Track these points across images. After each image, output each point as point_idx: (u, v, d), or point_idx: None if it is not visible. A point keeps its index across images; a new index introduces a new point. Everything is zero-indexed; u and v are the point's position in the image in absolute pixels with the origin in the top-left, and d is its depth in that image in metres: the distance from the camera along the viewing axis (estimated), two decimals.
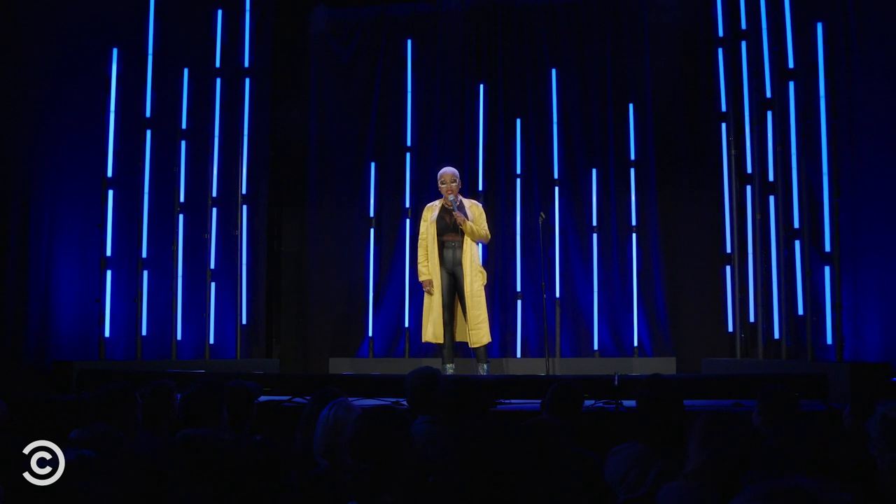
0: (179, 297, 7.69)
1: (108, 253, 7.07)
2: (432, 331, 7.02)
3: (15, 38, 6.85)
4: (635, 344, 8.38)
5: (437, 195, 7.30)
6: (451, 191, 7.03)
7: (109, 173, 7.15)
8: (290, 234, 9.40)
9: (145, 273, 7.39)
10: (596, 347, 8.45)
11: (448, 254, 7.06)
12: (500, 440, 2.37)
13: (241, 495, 2.17)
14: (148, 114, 7.51)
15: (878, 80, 6.73)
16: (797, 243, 6.76)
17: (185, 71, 7.92)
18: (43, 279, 6.85)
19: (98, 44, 7.21)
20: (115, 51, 7.23)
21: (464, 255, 7.01)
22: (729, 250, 7.97)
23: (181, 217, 7.78)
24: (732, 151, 7.83)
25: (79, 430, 2.92)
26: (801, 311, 6.71)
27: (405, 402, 4.10)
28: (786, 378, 5.07)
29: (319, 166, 9.20)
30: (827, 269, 6.41)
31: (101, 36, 7.24)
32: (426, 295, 7.11)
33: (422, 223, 7.23)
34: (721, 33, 8.13)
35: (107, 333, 7.03)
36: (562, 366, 8.22)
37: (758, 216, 7.31)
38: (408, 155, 8.98)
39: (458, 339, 7.12)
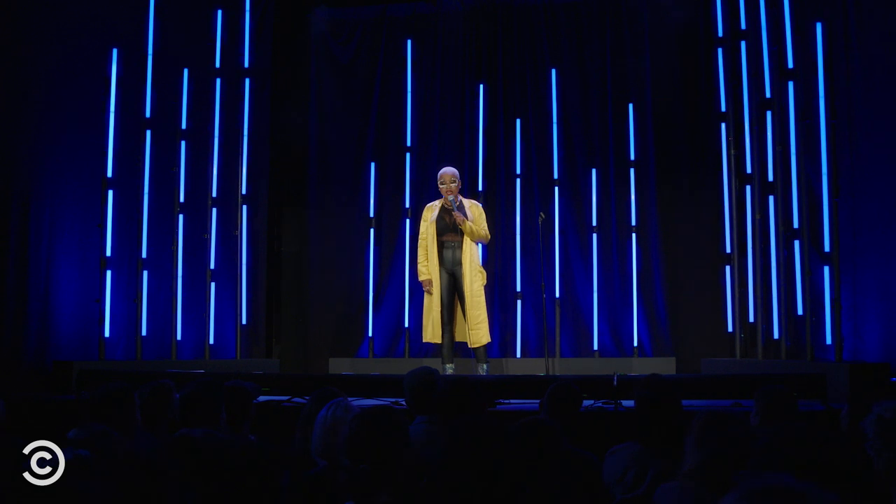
0: (179, 297, 7.70)
1: (108, 253, 7.08)
2: (432, 331, 7.03)
3: (15, 38, 6.86)
4: (635, 344, 8.38)
5: (437, 195, 7.30)
6: (451, 191, 7.03)
7: (109, 173, 7.16)
8: (290, 234, 9.40)
9: (145, 273, 7.39)
10: (596, 347, 8.45)
11: (448, 254, 7.06)
12: (494, 439, 2.37)
13: (234, 495, 2.18)
14: (148, 114, 7.52)
15: (878, 80, 6.73)
16: (797, 243, 6.76)
17: (185, 71, 7.93)
18: (43, 279, 6.86)
19: (98, 44, 7.22)
20: (114, 51, 7.24)
21: (463, 255, 7.02)
22: (728, 250, 7.97)
23: (181, 217, 7.79)
24: (732, 151, 7.83)
25: (76, 430, 2.93)
26: (800, 311, 6.71)
27: (404, 403, 4.10)
28: (785, 378, 5.07)
29: (319, 166, 9.21)
30: (826, 269, 6.41)
31: (101, 36, 7.25)
32: (426, 295, 7.11)
33: (422, 223, 7.24)
34: (721, 33, 8.13)
35: (107, 333, 7.03)
36: (561, 366, 8.22)
37: (757, 216, 7.31)
38: (408, 155, 8.99)
39: (458, 339, 7.12)
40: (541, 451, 2.86)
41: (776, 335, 7.02)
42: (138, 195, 7.42)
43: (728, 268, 7.99)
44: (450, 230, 7.05)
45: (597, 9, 8.81)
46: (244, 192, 8.41)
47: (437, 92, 9.05)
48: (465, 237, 7.01)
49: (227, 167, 8.31)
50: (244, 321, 8.35)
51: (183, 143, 7.86)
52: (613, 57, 8.72)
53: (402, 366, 7.32)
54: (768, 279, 7.15)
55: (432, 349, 8.16)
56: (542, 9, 8.91)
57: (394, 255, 8.93)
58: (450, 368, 6.97)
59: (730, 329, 7.94)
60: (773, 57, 7.07)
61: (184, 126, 7.88)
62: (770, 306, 7.11)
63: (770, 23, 7.14)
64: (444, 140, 8.98)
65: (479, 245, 7.35)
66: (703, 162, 8.47)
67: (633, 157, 8.56)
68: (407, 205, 8.89)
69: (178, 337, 7.69)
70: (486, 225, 7.13)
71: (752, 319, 7.46)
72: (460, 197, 7.13)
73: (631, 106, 8.60)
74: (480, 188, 8.77)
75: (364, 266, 8.93)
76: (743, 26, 7.68)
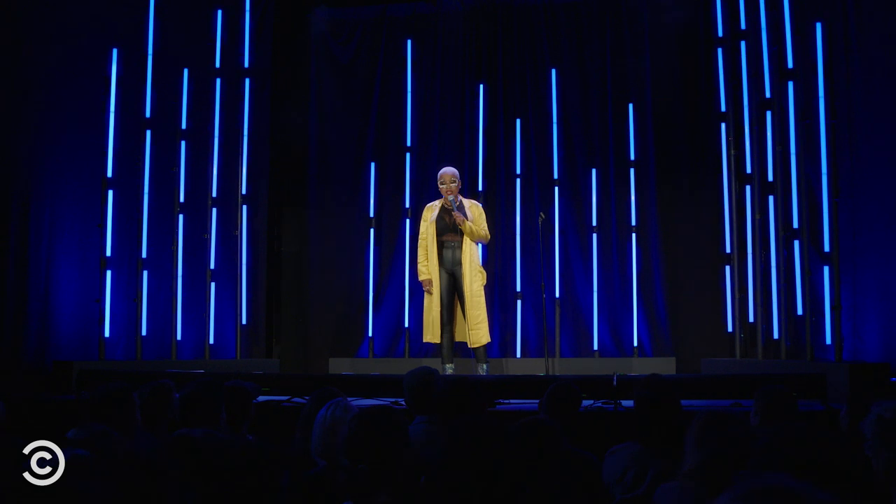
0: (179, 297, 7.70)
1: (108, 253, 7.08)
2: (432, 331, 7.03)
3: (15, 38, 6.87)
4: (635, 344, 8.38)
5: (437, 195, 7.30)
6: (451, 191, 7.03)
7: (109, 173, 7.16)
8: (290, 234, 9.40)
9: (145, 273, 7.39)
10: (596, 347, 8.45)
11: (447, 254, 7.06)
12: (494, 439, 2.37)
13: (233, 495, 2.18)
14: (148, 114, 7.52)
15: (878, 80, 6.73)
16: (796, 243, 6.76)
17: (185, 71, 7.93)
18: (43, 279, 6.87)
19: (98, 44, 7.22)
20: (115, 51, 7.24)
21: (463, 255, 7.02)
22: (728, 250, 7.97)
23: (181, 217, 7.79)
24: (732, 151, 7.84)
25: (76, 430, 2.93)
26: (800, 311, 6.71)
27: (404, 403, 4.10)
28: (785, 378, 5.07)
29: (319, 166, 9.21)
30: (826, 269, 6.41)
31: (101, 36, 7.25)
32: (426, 295, 7.12)
33: (422, 223, 7.24)
34: (720, 33, 8.13)
35: (107, 333, 7.03)
36: (561, 366, 8.22)
37: (757, 216, 7.31)
38: (408, 155, 8.99)
39: (458, 339, 7.12)
40: (541, 451, 2.86)
41: (776, 335, 7.02)
42: (138, 195, 7.42)
43: (728, 268, 7.99)
44: (450, 230, 7.05)
45: (597, 9, 8.81)
46: (244, 192, 8.41)
47: (437, 92, 9.05)
48: (465, 237, 7.01)
49: (227, 167, 8.31)
50: (244, 321, 8.35)
51: (183, 143, 7.86)
52: (613, 57, 8.72)
53: (402, 366, 7.31)
54: (768, 279, 7.15)
55: (432, 349, 8.16)
56: (541, 9, 8.91)
57: (394, 255, 8.93)
58: (450, 368, 6.97)
59: (730, 329, 7.95)
60: (772, 57, 7.07)
61: (184, 126, 7.88)
62: (770, 306, 7.11)
63: (770, 23, 7.14)
64: (444, 140, 8.98)
65: (479, 245, 7.35)
66: (703, 162, 8.47)
67: (633, 157, 8.56)
68: (407, 205, 8.89)
69: (178, 337, 7.69)
70: (485, 225, 7.13)
71: (752, 319, 7.46)
72: (460, 197, 7.13)
73: (631, 106, 8.60)
74: (480, 188, 8.77)
75: (364, 266, 8.93)
76: (743, 26, 7.68)
